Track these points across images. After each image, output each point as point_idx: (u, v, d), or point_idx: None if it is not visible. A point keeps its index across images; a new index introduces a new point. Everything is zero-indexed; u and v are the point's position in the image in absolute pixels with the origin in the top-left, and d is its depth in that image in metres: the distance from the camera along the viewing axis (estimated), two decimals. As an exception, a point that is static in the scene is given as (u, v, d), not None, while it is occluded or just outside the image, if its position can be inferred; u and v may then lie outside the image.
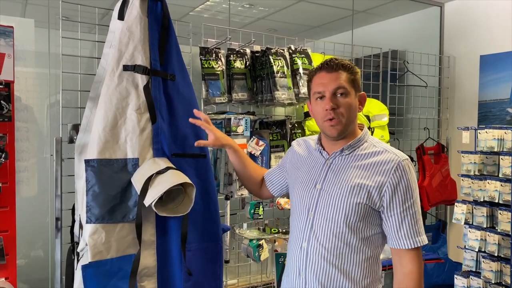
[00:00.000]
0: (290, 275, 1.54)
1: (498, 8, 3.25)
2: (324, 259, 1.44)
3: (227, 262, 2.35)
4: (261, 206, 2.44)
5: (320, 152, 1.54)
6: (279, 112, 2.71)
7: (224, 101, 2.34)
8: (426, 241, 1.43)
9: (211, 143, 1.70)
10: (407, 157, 1.45)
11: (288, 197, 2.49)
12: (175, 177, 1.51)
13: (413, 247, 1.40)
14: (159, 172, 1.53)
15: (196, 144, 1.65)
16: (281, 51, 2.49)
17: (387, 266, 2.63)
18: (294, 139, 2.59)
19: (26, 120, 2.01)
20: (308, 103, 1.56)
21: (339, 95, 1.43)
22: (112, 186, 1.56)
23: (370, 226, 1.44)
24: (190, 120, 1.67)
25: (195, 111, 1.70)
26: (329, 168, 1.49)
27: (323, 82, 1.45)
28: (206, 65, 2.32)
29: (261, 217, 2.45)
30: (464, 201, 2.72)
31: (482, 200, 2.62)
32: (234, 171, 1.86)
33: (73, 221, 1.79)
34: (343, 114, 1.43)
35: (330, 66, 1.46)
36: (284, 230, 2.51)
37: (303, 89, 2.49)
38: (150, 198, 1.49)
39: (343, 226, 1.42)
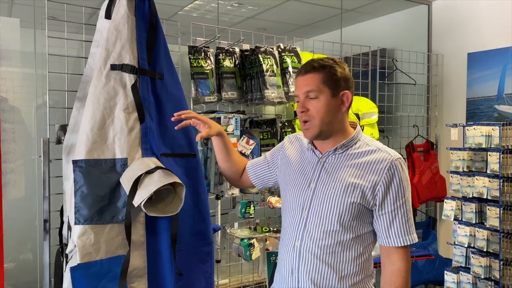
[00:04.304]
0: (282, 274, 1.54)
1: (485, 6, 3.29)
2: (316, 258, 1.44)
3: (218, 261, 2.34)
4: (252, 205, 2.44)
5: (312, 151, 1.54)
6: (269, 111, 2.70)
7: (213, 100, 2.33)
8: (416, 240, 1.44)
9: (207, 132, 1.65)
10: (400, 156, 1.46)
11: (279, 196, 2.50)
12: (165, 177, 1.50)
13: (402, 245, 1.42)
14: (148, 172, 1.52)
15: (197, 139, 1.62)
16: (271, 49, 2.49)
17: (378, 264, 2.64)
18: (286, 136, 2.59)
19: (13, 121, 1.97)
20: None
21: (310, 97, 1.44)
22: (101, 186, 1.55)
23: (363, 224, 1.45)
24: (177, 127, 1.61)
25: (175, 114, 1.62)
26: (322, 167, 1.49)
27: (298, 85, 1.48)
28: (195, 64, 2.31)
29: (252, 216, 2.45)
30: (453, 198, 2.74)
31: (471, 196, 2.64)
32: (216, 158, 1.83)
33: (62, 222, 1.77)
34: (314, 116, 1.44)
35: (303, 68, 1.48)
36: (275, 229, 2.51)
37: (293, 88, 2.49)
38: (139, 198, 1.48)
39: (337, 225, 1.43)
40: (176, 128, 1.63)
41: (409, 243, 1.42)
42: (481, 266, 2.57)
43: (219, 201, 2.35)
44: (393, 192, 1.41)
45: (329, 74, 1.44)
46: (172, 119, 1.62)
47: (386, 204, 1.42)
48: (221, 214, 2.38)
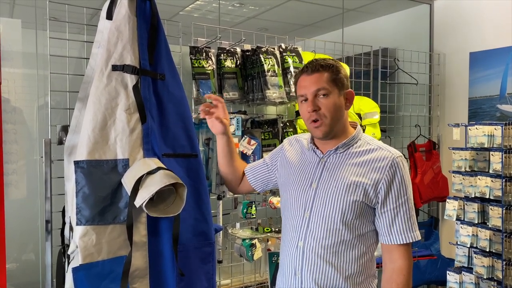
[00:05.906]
0: (285, 275, 1.54)
1: (487, 5, 3.28)
2: (320, 258, 1.44)
3: (220, 262, 2.34)
4: (253, 205, 2.44)
5: (313, 151, 1.54)
6: (271, 111, 2.70)
7: (215, 101, 2.32)
8: (419, 237, 1.45)
9: (222, 113, 1.71)
10: (401, 154, 1.47)
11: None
12: (166, 178, 1.50)
13: (404, 242, 1.42)
14: (150, 173, 1.52)
15: (206, 96, 1.76)
16: (272, 49, 2.49)
17: (380, 264, 2.63)
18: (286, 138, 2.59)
19: (14, 122, 1.98)
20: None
21: (320, 96, 1.45)
22: (102, 187, 1.55)
23: (366, 223, 1.46)
24: (206, 96, 1.80)
25: (206, 96, 1.79)
26: (324, 167, 1.50)
27: (305, 85, 1.48)
28: (196, 65, 2.31)
29: (254, 216, 2.45)
30: (455, 198, 2.74)
31: (473, 196, 2.64)
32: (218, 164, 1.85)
33: (64, 223, 1.76)
34: (325, 115, 1.45)
35: (310, 68, 1.48)
36: (277, 229, 2.50)
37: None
38: (141, 199, 1.48)
39: (340, 224, 1.43)
40: (205, 96, 1.79)
41: (411, 241, 1.43)
42: (483, 266, 2.56)
43: (221, 201, 2.35)
44: (395, 190, 1.42)
45: (335, 73, 1.47)
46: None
47: (389, 201, 1.42)
48: (222, 215, 2.38)
